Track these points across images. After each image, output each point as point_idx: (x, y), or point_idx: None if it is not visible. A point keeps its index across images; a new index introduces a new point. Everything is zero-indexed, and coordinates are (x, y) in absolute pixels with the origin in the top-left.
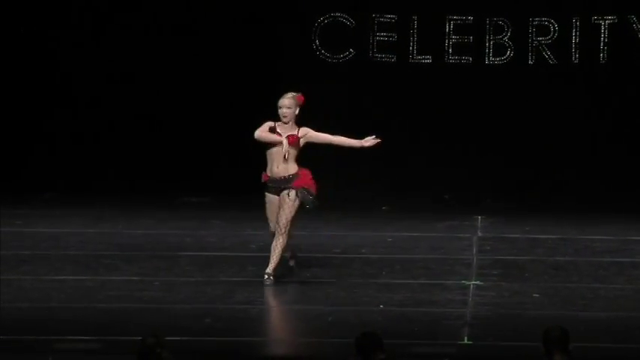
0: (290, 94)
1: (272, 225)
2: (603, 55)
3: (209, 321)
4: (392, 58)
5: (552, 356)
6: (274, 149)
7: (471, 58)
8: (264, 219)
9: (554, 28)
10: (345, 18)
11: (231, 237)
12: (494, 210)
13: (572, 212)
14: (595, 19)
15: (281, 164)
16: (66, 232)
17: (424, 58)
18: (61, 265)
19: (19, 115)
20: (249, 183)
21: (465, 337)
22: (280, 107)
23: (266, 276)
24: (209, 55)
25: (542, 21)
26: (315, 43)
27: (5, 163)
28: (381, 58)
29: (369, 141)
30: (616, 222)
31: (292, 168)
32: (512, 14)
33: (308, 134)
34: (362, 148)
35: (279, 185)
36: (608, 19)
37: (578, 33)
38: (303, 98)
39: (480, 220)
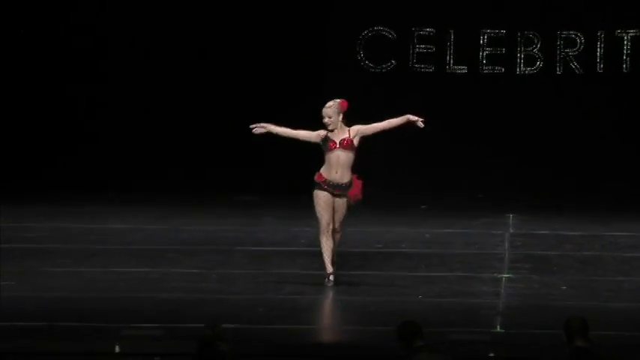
0: (330, 102)
1: (326, 217)
2: (626, 66)
3: (262, 310)
4: (430, 68)
5: (574, 343)
6: (333, 155)
7: (503, 69)
8: (314, 214)
9: (580, 40)
10: (387, 31)
11: (281, 232)
12: (525, 208)
13: (598, 210)
14: (618, 32)
15: (340, 170)
16: (131, 228)
17: (460, 69)
18: (127, 258)
19: (82, 116)
20: (296, 183)
21: (498, 326)
22: (323, 117)
23: (332, 277)
24: (265, 62)
25: (569, 34)
26: (360, 55)
27: (75, 162)
28: (420, 68)
29: (413, 117)
30: (638, 219)
31: (347, 176)
32: (541, 28)
33: (359, 131)
34: (408, 123)
35: (334, 190)
36: (631, 32)
37: (602, 45)
38: (346, 104)
39: (511, 217)
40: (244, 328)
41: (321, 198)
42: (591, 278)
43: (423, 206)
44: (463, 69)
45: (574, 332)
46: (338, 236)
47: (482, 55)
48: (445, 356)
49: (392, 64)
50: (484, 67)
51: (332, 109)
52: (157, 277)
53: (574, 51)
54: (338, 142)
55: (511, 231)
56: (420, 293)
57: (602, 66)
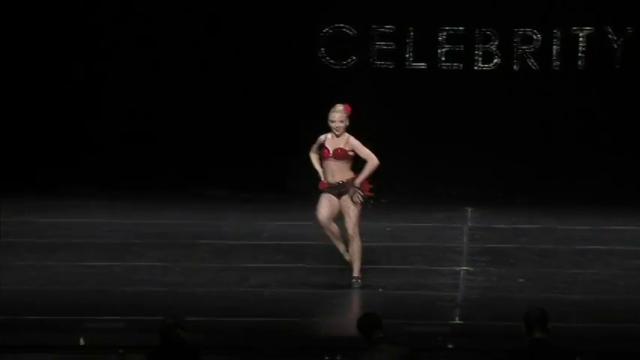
0: (340, 107)
1: (322, 212)
2: (581, 63)
3: (225, 303)
4: (390, 64)
5: (533, 334)
6: (326, 163)
7: (461, 65)
8: (319, 209)
9: (536, 37)
10: (347, 28)
11: (245, 227)
12: (483, 202)
13: (554, 204)
14: (574, 30)
15: (337, 174)
16: (96, 223)
17: (419, 65)
18: (92, 252)
19: (55, 114)
20: (262, 178)
21: (457, 318)
22: (333, 121)
23: (354, 280)
24: (232, 60)
25: (526, 31)
26: (321, 51)
27: (37, 160)
28: (381, 65)
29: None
30: (593, 213)
31: (346, 176)
32: (498, 25)
33: (354, 147)
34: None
35: (337, 190)
36: (586, 30)
37: (558, 42)
38: (350, 108)
39: (470, 211)
40: (207, 321)
41: (323, 199)
42: (547, 271)
43: (383, 200)
44: (422, 65)
45: (533, 324)
46: (355, 244)
47: (441, 52)
48: (404, 348)
49: (352, 60)
50: (443, 64)
51: (343, 114)
52: (121, 270)
53: (530, 48)
54: (332, 151)
55: (469, 224)
56: (380, 286)
57: (558, 63)
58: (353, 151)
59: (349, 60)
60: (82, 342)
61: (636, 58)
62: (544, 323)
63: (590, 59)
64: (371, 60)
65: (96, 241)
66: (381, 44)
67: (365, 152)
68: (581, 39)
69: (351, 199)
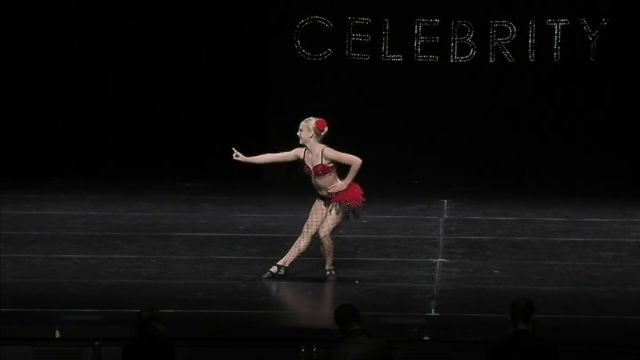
0: (305, 120)
1: (311, 219)
2: (557, 55)
3: (201, 295)
4: (366, 56)
5: (517, 325)
6: (311, 179)
7: (437, 57)
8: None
9: (512, 29)
10: (323, 20)
11: (221, 219)
12: (458, 194)
13: (529, 196)
14: (549, 22)
15: (323, 189)
16: (71, 215)
17: (395, 57)
18: (67, 244)
19: (26, 104)
20: (237, 170)
21: (433, 310)
22: (299, 129)
23: (327, 272)
24: (202, 54)
25: (501, 23)
26: (297, 44)
27: (16, 150)
28: (357, 57)
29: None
30: (568, 205)
31: (333, 183)
32: (474, 17)
33: (332, 158)
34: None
35: (326, 198)
36: (561, 22)
37: (534, 34)
38: (323, 124)
39: (445, 203)
40: (183, 313)
41: (313, 207)
42: (523, 262)
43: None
44: (398, 57)
45: (518, 315)
46: (326, 242)
47: (417, 43)
48: (380, 340)
49: (328, 52)
50: (419, 56)
51: (305, 124)
52: (97, 262)
53: (506, 40)
54: (312, 169)
55: (445, 216)
56: (356, 278)
57: (533, 55)
58: (333, 162)
59: (325, 52)
60: (57, 334)
61: (611, 51)
62: (529, 315)
63: (565, 51)
64: (347, 52)
65: (71, 233)
66: (357, 36)
67: (345, 158)
68: (556, 31)
69: (335, 211)
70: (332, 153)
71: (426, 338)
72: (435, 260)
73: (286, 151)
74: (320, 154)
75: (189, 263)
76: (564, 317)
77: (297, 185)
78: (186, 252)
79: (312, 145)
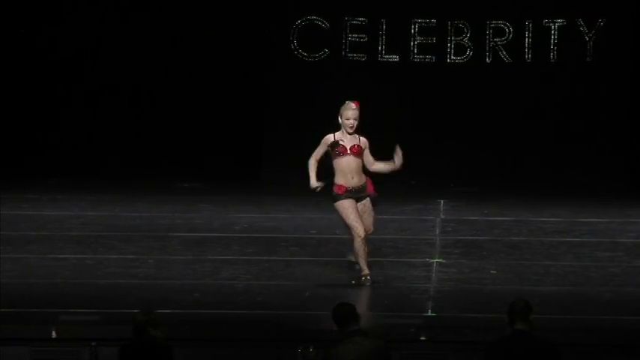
0: (353, 105)
1: (360, 225)
2: (553, 55)
3: (198, 295)
4: (362, 57)
5: (514, 325)
6: (343, 161)
7: (434, 57)
8: (348, 224)
9: (509, 30)
10: (320, 21)
11: (218, 219)
12: (455, 195)
13: (526, 197)
14: (546, 22)
15: (355, 175)
16: (68, 215)
17: (392, 57)
18: (64, 244)
19: (23, 104)
20: (235, 171)
21: (429, 310)
22: (348, 119)
23: (363, 278)
24: (199, 54)
25: (498, 24)
26: (294, 44)
27: (14, 150)
28: (353, 57)
29: (398, 156)
30: (565, 205)
31: (363, 177)
32: (471, 17)
33: (365, 146)
34: (396, 167)
35: (356, 195)
36: (558, 22)
37: (530, 35)
38: (359, 105)
39: (442, 203)
40: (180, 313)
41: (348, 207)
42: (519, 262)
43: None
44: (395, 58)
45: (515, 315)
46: (366, 242)
47: (414, 44)
48: (378, 340)
49: (325, 52)
50: (415, 56)
51: (357, 112)
52: (94, 263)
53: (502, 40)
54: (348, 148)
55: (442, 217)
56: (353, 278)
57: (530, 55)
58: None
59: (322, 52)
60: (54, 334)
61: (607, 51)
62: (526, 315)
63: (561, 51)
64: (343, 52)
65: (68, 233)
66: (354, 36)
67: (371, 157)
68: (553, 31)
69: (370, 206)
70: (367, 142)
71: (423, 338)
72: (431, 260)
73: (317, 147)
74: (358, 138)
75: (186, 263)
76: (561, 317)
77: (294, 185)
78: (183, 252)
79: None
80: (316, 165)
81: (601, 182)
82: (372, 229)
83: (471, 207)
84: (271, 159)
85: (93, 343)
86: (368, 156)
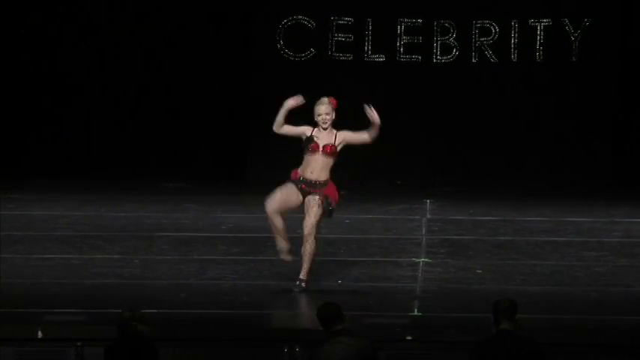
0: (326, 100)
1: (277, 201)
2: (539, 54)
3: (184, 295)
4: (349, 56)
5: (499, 325)
6: (312, 158)
7: (420, 57)
8: (270, 198)
9: (495, 29)
10: (306, 20)
11: (204, 219)
12: (441, 194)
13: (512, 196)
14: (532, 22)
15: (315, 172)
16: (54, 215)
17: (378, 57)
18: (50, 244)
19: (12, 105)
20: (221, 171)
21: (416, 309)
22: (319, 114)
23: (298, 282)
24: (188, 53)
25: (484, 23)
26: (280, 43)
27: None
28: (339, 57)
29: (370, 112)
30: (550, 205)
31: (324, 176)
32: (457, 17)
33: (345, 139)
34: (377, 123)
35: (308, 188)
36: (544, 22)
37: (516, 34)
38: (335, 101)
39: (428, 203)
40: (166, 313)
41: (284, 189)
42: (505, 262)
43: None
44: (381, 57)
45: (500, 314)
46: (308, 245)
47: (400, 43)
48: (363, 340)
49: (311, 52)
50: (401, 56)
51: (329, 107)
52: (80, 263)
53: (489, 40)
54: (321, 147)
55: (428, 216)
56: (339, 278)
57: (516, 55)
58: (346, 145)
59: (308, 52)
60: (39, 335)
61: (593, 51)
62: (511, 314)
63: (547, 51)
64: (330, 52)
65: (54, 233)
66: (340, 36)
67: (362, 136)
68: (538, 31)
69: (317, 204)
70: (347, 133)
71: (409, 338)
72: (417, 260)
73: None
74: (335, 135)
75: (172, 263)
76: (547, 317)
77: (280, 185)
78: (169, 252)
79: (329, 128)
80: (286, 127)
81: (586, 182)
82: (307, 230)
83: (456, 207)
84: (257, 159)
85: (79, 344)
86: (359, 136)
